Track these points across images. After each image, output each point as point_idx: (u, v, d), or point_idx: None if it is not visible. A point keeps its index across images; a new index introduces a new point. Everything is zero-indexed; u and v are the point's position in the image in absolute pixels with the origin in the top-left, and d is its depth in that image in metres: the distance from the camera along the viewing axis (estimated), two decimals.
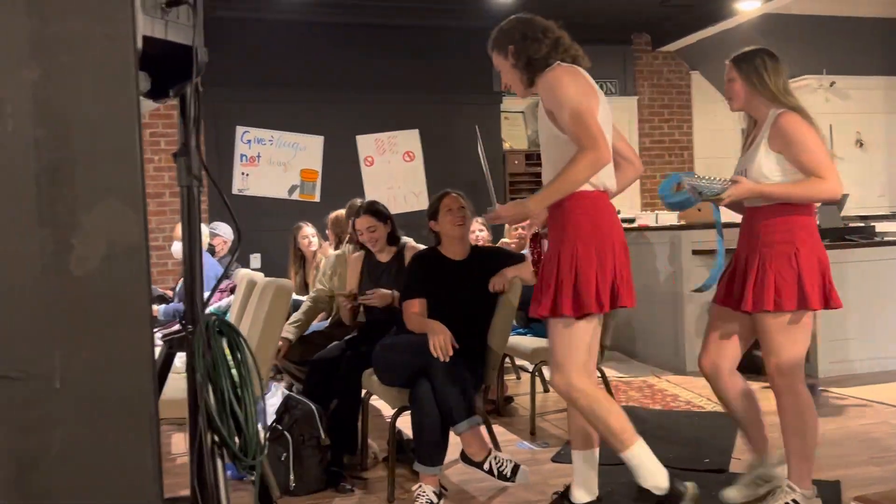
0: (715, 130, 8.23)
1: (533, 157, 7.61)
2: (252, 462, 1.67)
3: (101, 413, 1.19)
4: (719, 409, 3.84)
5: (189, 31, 1.46)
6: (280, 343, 4.01)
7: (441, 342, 3.05)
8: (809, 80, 7.48)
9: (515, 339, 4.29)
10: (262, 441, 1.75)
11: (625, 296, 2.64)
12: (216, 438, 1.62)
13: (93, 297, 1.19)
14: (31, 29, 1.15)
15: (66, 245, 1.16)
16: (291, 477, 3.31)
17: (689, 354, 5.30)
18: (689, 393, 4.88)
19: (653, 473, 2.68)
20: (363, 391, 3.69)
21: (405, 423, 3.42)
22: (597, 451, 2.93)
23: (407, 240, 4.01)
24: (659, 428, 4.14)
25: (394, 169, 7.05)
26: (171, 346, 1.74)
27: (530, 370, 4.35)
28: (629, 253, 2.74)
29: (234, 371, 1.81)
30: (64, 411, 1.17)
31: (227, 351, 1.76)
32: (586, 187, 2.62)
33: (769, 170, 2.75)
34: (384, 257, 3.88)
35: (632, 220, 6.39)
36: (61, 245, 1.16)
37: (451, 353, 3.06)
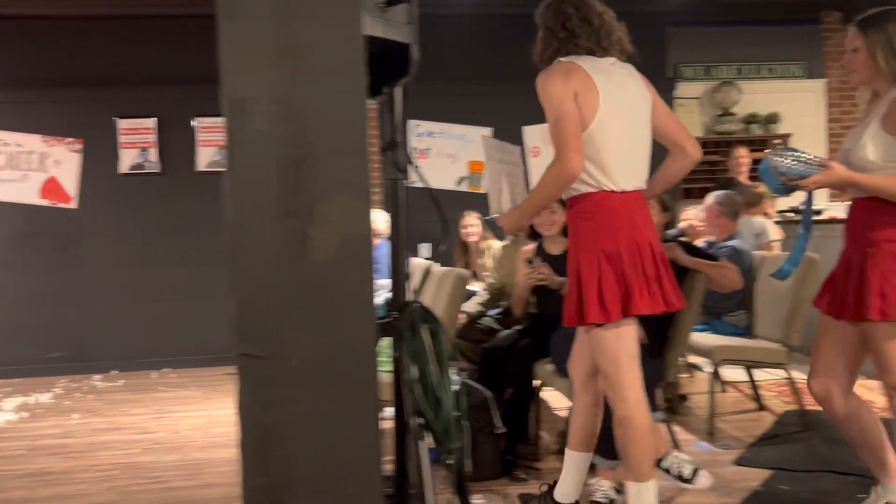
0: None
1: (709, 145, 7.29)
2: (453, 445, 1.73)
3: (332, 392, 1.27)
4: None
5: (404, 29, 1.52)
6: (463, 316, 4.13)
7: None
8: None
9: (694, 336, 4.14)
10: (461, 426, 1.80)
11: (639, 303, 2.42)
12: (420, 421, 1.69)
13: (326, 284, 1.27)
14: (276, 32, 1.24)
15: (304, 235, 1.25)
16: (467, 461, 3.38)
17: None
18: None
19: None
20: (536, 381, 3.71)
21: None
22: (591, 455, 2.83)
23: None
24: None
25: None
26: (378, 332, 1.82)
27: (707, 369, 4.19)
28: (663, 253, 2.51)
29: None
30: (300, 389, 1.26)
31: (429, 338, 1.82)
32: (587, 189, 2.44)
33: (875, 154, 2.38)
34: (556, 249, 3.86)
35: (818, 212, 5.97)
36: (300, 235, 1.25)
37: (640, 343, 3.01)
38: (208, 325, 6.64)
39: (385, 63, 1.68)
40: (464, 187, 7.08)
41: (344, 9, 1.27)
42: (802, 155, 2.46)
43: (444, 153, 7.06)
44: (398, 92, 1.73)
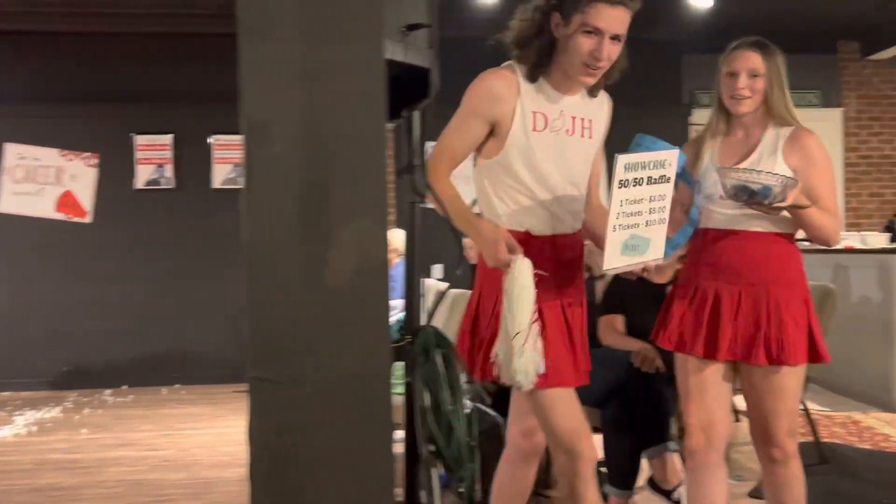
0: None
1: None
2: (464, 473, 1.70)
3: (345, 419, 1.26)
4: None
5: (425, 54, 1.52)
6: None
7: (650, 355, 2.97)
8: None
9: None
10: (473, 453, 1.78)
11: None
12: (432, 448, 1.67)
13: (341, 310, 1.26)
14: (302, 55, 1.24)
15: (321, 260, 1.24)
16: (478, 488, 3.34)
17: None
18: None
19: None
20: None
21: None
22: None
23: None
24: (868, 470, 3.80)
25: None
26: (392, 356, 1.80)
27: None
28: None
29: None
30: (313, 415, 1.24)
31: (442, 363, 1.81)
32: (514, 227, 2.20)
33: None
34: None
35: None
36: (317, 259, 1.24)
37: (656, 369, 2.98)
38: (219, 342, 6.64)
39: (404, 86, 1.68)
40: (478, 209, 7.07)
41: (366, 32, 1.27)
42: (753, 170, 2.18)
43: (461, 175, 7.05)
44: (416, 115, 1.72)
